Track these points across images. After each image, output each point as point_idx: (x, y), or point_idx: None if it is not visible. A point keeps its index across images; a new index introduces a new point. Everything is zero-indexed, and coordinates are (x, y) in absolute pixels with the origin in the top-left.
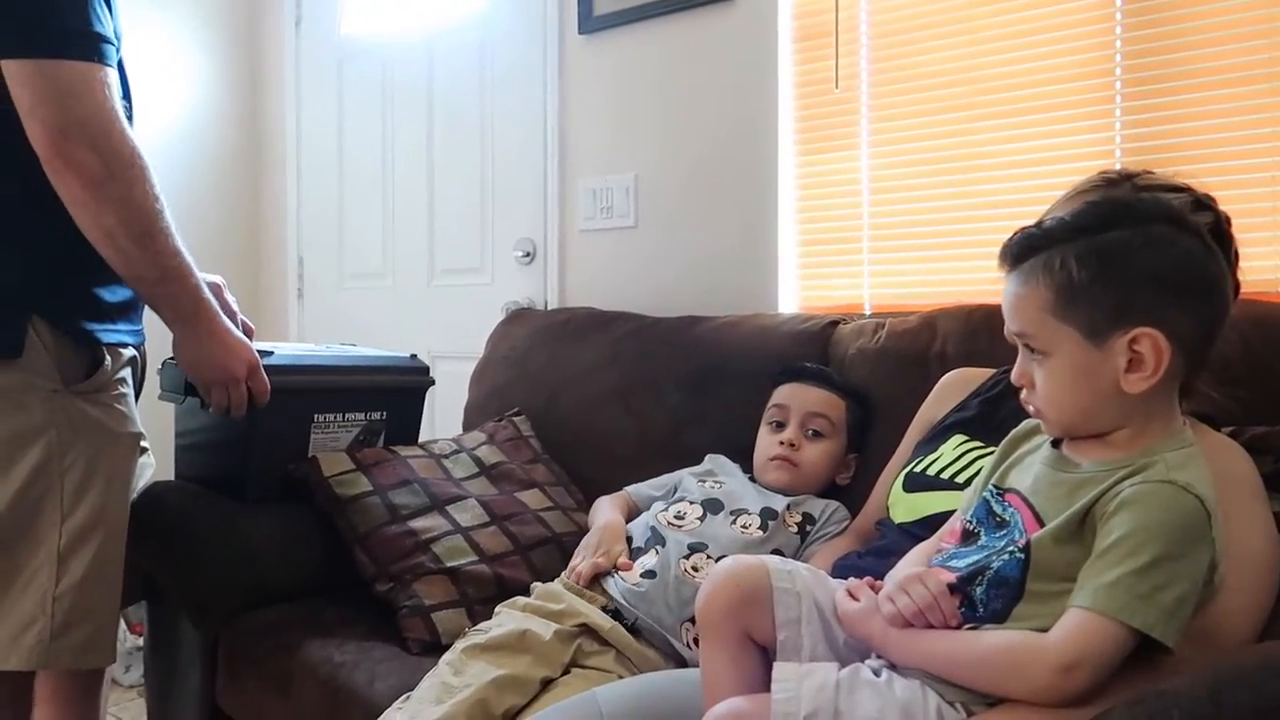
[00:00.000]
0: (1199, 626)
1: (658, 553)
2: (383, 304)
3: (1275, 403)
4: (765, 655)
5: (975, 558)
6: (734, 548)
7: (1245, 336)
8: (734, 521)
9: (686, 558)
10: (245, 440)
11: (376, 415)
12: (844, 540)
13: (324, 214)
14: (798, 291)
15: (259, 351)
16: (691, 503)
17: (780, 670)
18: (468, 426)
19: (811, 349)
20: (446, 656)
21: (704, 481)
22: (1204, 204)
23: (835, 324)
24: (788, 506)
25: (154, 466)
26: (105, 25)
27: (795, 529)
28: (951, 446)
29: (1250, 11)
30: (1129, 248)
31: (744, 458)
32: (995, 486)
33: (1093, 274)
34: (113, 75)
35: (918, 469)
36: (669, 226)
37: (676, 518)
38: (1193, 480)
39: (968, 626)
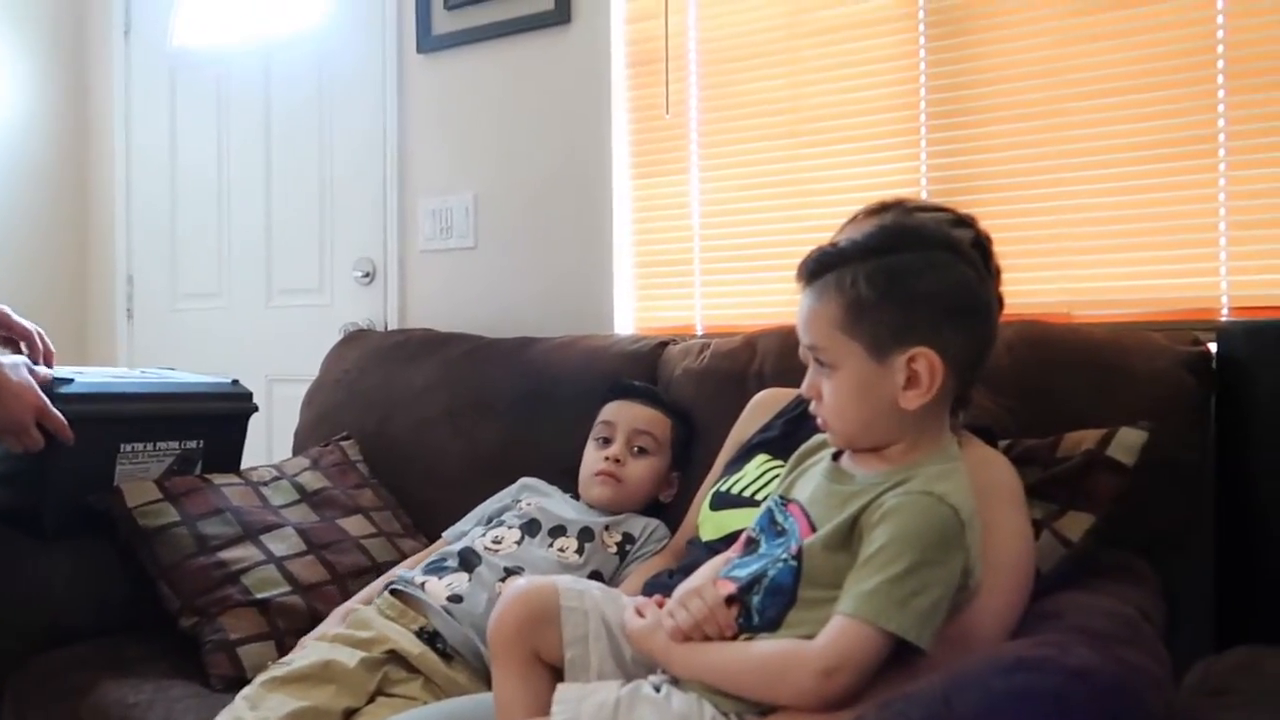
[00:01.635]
0: (957, 629)
1: (470, 578)
2: (218, 325)
3: (1043, 416)
4: (558, 676)
5: (755, 566)
6: (551, 571)
7: (1021, 355)
8: (551, 545)
9: (502, 580)
10: (41, 472)
11: (192, 443)
12: (659, 559)
13: (155, 231)
14: (634, 313)
15: (58, 379)
16: (510, 527)
17: (561, 691)
18: (297, 451)
19: (641, 369)
20: (244, 691)
21: (519, 503)
22: (964, 222)
23: (665, 344)
24: (606, 526)
25: None
26: None
27: (614, 549)
28: (755, 466)
29: (1035, 53)
30: (913, 270)
31: (572, 478)
32: (780, 496)
33: (880, 293)
34: None
35: (723, 488)
36: (508, 247)
37: (494, 543)
38: (949, 491)
39: (744, 636)
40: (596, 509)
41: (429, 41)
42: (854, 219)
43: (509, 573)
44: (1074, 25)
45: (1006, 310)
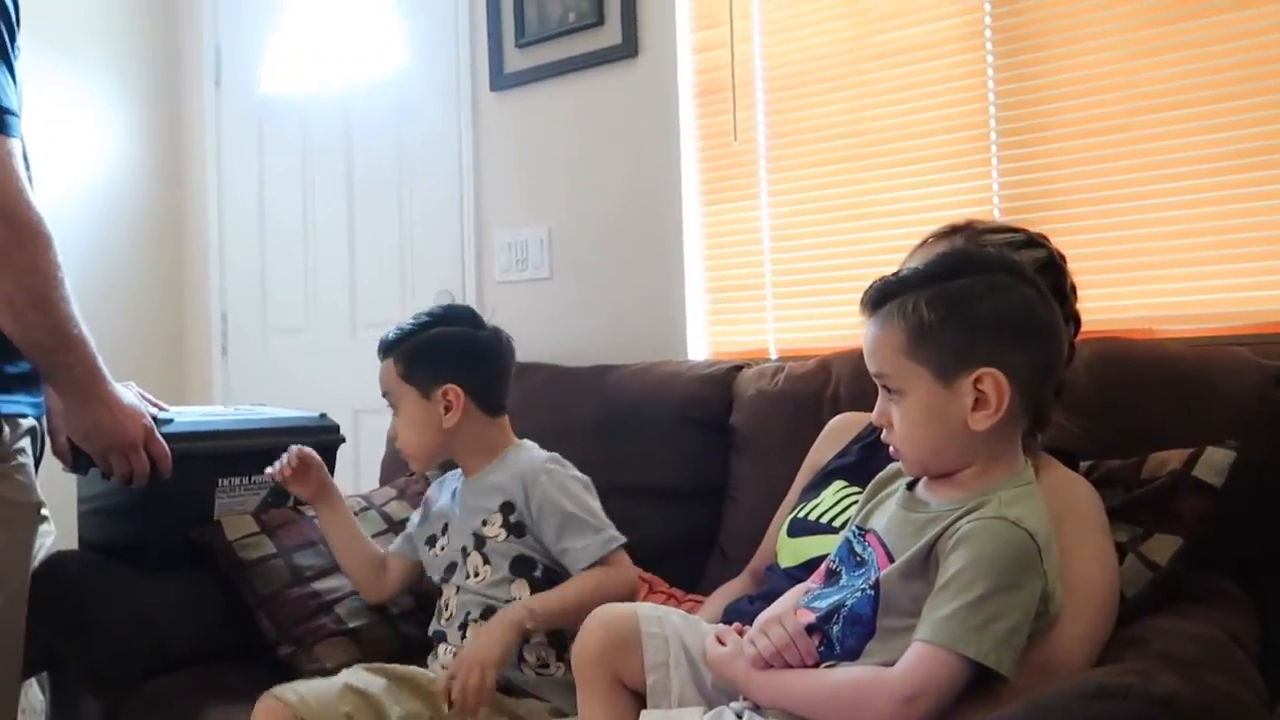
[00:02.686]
0: (1038, 656)
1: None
2: (306, 358)
3: (1125, 436)
4: (641, 701)
5: (835, 597)
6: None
7: (1100, 374)
8: (471, 576)
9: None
10: (146, 506)
11: None
12: (739, 582)
13: (246, 270)
14: (708, 338)
15: (158, 419)
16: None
17: (645, 716)
18: (383, 481)
19: (715, 392)
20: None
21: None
22: (1036, 241)
23: (739, 369)
24: (484, 521)
25: (54, 534)
26: (10, 98)
27: (503, 531)
28: (832, 492)
29: (1106, 66)
30: (974, 294)
31: (651, 500)
32: (858, 527)
33: (941, 317)
34: (18, 146)
35: (801, 514)
36: (582, 277)
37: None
38: (1023, 515)
39: (825, 665)
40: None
41: (501, 80)
42: (923, 243)
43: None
44: (1145, 37)
45: (1086, 327)
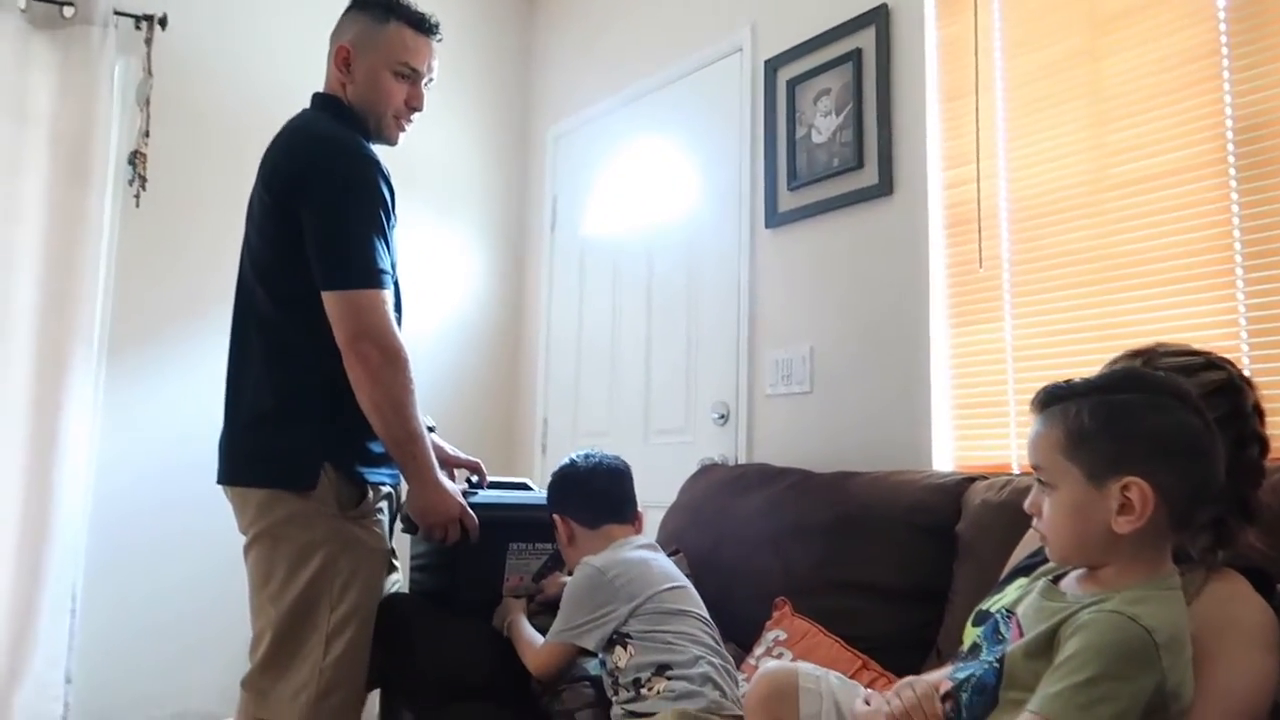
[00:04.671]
0: None
1: None
2: None
3: None
4: None
5: (971, 668)
6: None
7: None
8: None
9: None
10: (453, 562)
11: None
12: (937, 666)
13: (565, 381)
14: (953, 451)
15: (466, 492)
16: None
17: None
18: None
19: (946, 501)
20: None
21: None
22: (1216, 364)
23: (972, 480)
24: None
25: (400, 582)
26: (385, 260)
27: None
28: (1014, 588)
29: None
30: (1133, 408)
31: (874, 596)
32: (1006, 609)
33: (1100, 424)
34: (389, 295)
35: (983, 606)
36: (839, 391)
37: None
38: (1143, 613)
39: None
40: None
41: (775, 218)
42: (1111, 363)
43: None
44: None
45: None
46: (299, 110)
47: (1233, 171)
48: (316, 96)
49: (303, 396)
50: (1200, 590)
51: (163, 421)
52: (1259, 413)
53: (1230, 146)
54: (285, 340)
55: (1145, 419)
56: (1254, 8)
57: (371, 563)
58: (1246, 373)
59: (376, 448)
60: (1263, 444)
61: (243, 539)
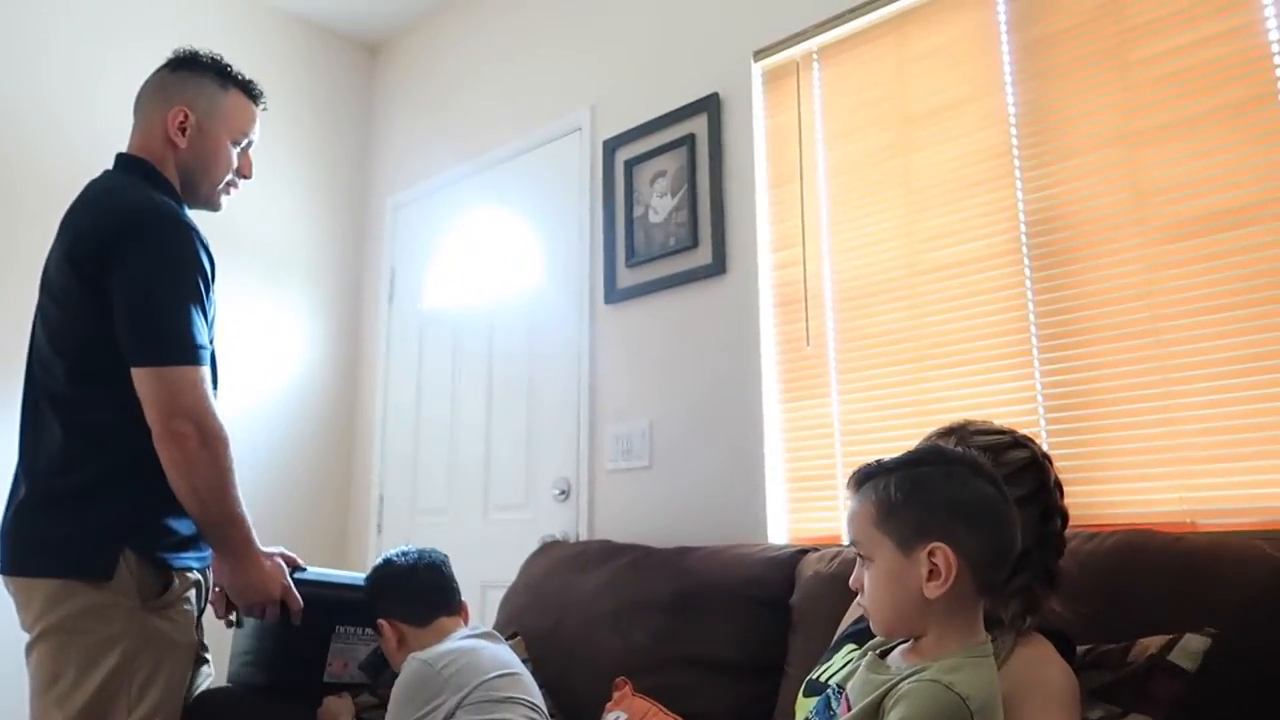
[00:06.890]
0: None
1: None
2: (447, 536)
3: (1126, 623)
4: None
5: None
6: None
7: (1104, 564)
8: None
9: None
10: (275, 645)
11: None
12: None
13: (402, 457)
14: (787, 524)
15: (293, 569)
16: None
17: None
18: None
19: (779, 573)
20: None
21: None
22: (1021, 443)
23: (805, 552)
24: None
25: (213, 676)
26: (202, 335)
27: None
28: (841, 655)
29: (1132, 277)
30: (935, 479)
31: (711, 671)
32: (838, 685)
33: (905, 495)
34: (206, 372)
35: (813, 675)
36: (676, 466)
37: None
38: (958, 681)
39: None
40: None
41: (614, 294)
42: (925, 439)
43: None
44: (1165, 251)
45: (1121, 518)
46: (100, 172)
47: (1027, 260)
48: (122, 157)
49: (104, 479)
50: (1010, 654)
51: None
52: (1059, 487)
53: (1024, 238)
54: (87, 420)
55: (945, 489)
56: (1040, 113)
57: (175, 658)
58: (1045, 446)
59: (183, 528)
60: (1063, 516)
61: (25, 637)
